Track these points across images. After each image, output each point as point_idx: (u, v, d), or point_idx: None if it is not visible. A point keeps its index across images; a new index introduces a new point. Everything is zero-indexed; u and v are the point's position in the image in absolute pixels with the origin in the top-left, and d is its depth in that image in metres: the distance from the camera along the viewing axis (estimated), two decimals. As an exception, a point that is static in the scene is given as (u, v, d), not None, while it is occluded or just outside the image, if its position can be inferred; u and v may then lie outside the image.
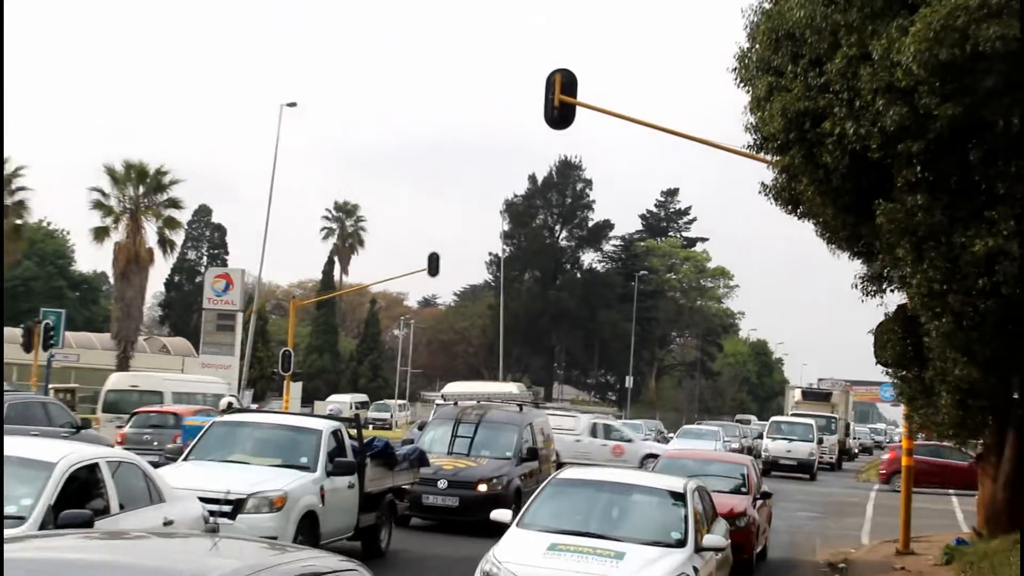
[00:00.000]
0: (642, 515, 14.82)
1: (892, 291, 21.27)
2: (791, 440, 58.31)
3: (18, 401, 28.69)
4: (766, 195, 20.20)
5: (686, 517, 14.55)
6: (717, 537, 15.04)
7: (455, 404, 29.58)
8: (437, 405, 36.34)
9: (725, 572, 15.83)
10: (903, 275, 17.72)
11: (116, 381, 45.03)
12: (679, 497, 14.92)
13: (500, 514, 15.50)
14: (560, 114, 24.71)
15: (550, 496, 15.27)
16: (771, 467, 55.53)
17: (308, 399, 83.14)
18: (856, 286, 20.66)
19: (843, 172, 17.63)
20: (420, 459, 23.68)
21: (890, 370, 23.00)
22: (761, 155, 20.20)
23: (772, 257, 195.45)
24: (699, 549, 14.20)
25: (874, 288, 20.76)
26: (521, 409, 29.84)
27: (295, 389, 68.45)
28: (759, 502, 23.02)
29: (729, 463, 25.25)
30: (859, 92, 16.84)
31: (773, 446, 58.50)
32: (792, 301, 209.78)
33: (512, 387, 38.58)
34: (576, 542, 13.86)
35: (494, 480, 25.81)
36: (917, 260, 16.52)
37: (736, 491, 22.81)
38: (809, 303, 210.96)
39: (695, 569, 13.74)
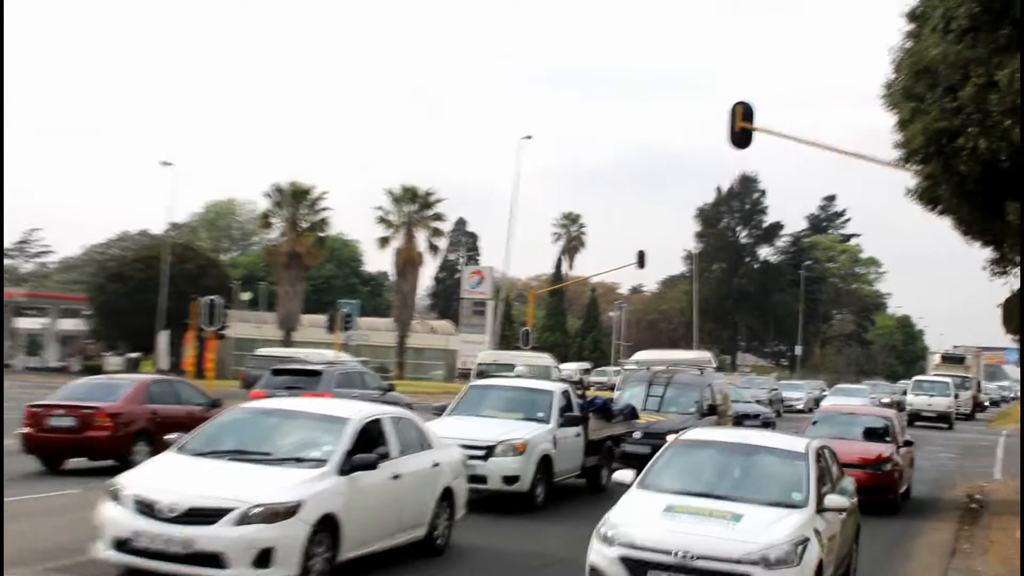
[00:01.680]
0: (763, 476, 11.83)
1: (1015, 274, 20.40)
2: (931, 396, 56.14)
3: (343, 371, 29.26)
4: (911, 197, 19.58)
5: (807, 477, 11.65)
6: (839, 498, 11.95)
7: (647, 369, 28.84)
8: (624, 369, 35.83)
9: (852, 531, 13.01)
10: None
11: (483, 357, 44.56)
12: (800, 457, 12.00)
13: (622, 475, 12.38)
14: (740, 138, 24.35)
15: (672, 457, 12.39)
16: (914, 418, 53.37)
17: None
18: (985, 268, 19.86)
19: (976, 178, 16.96)
20: (632, 413, 23.43)
21: (1016, 337, 22.12)
22: (907, 166, 19.56)
23: (913, 248, 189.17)
24: (820, 510, 11.38)
25: (1000, 270, 19.91)
26: (702, 372, 29.04)
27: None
28: (902, 449, 21.96)
29: (875, 416, 24.10)
30: (989, 113, 16.18)
31: (916, 400, 56.22)
32: (930, 283, 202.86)
33: (691, 354, 37.91)
34: (693, 503, 11.12)
35: (680, 431, 25.11)
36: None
37: (882, 439, 21.91)
38: (944, 285, 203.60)
39: (816, 531, 10.95)
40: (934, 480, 28.22)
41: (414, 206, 72.36)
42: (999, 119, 16.07)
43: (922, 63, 17.64)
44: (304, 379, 27.56)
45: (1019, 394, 63.75)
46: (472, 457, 17.94)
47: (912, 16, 19.36)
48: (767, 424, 37.42)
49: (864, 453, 20.53)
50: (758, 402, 45.19)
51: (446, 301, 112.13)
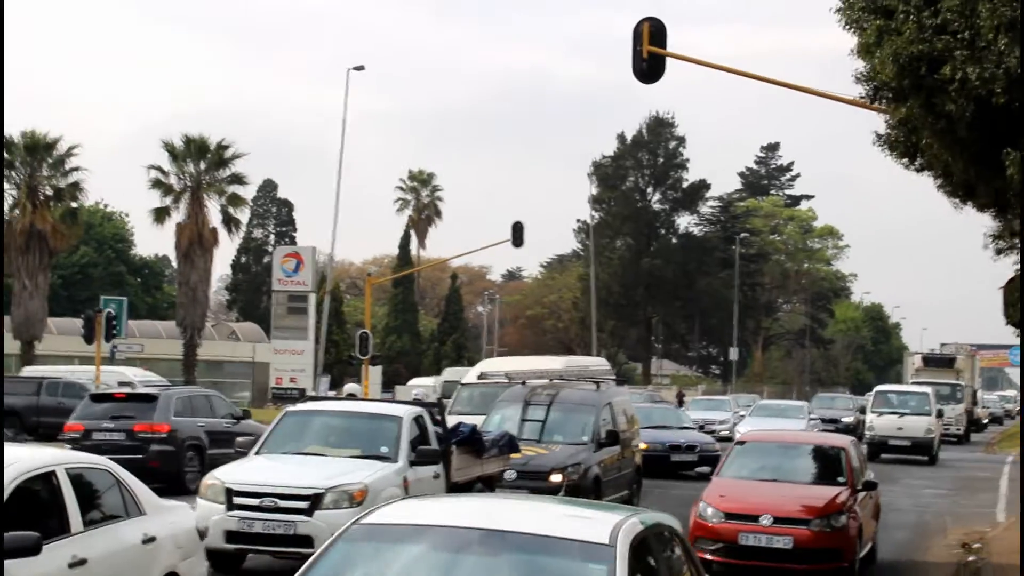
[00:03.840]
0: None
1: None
2: (902, 414, 51.87)
3: (184, 395, 32.37)
4: (881, 147, 19.95)
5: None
6: None
7: (523, 383, 28.93)
8: (461, 385, 35.89)
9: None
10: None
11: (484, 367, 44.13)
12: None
13: None
14: (649, 66, 24.60)
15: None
16: (878, 449, 50.15)
17: (388, 384, 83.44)
18: (987, 246, 20.30)
19: (967, 120, 17.31)
20: (510, 444, 23.59)
21: (1017, 331, 22.74)
22: (875, 105, 19.90)
23: (886, 214, 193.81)
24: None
25: (1006, 245, 20.37)
26: (599, 387, 29.22)
27: (374, 374, 68.72)
28: (862, 494, 21.11)
29: (821, 446, 23.11)
30: (979, 31, 16.52)
31: (880, 423, 51.99)
32: (909, 261, 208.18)
33: (575, 361, 38.05)
34: None
35: (569, 468, 24.92)
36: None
37: (830, 481, 21.07)
38: (928, 262, 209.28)
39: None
40: (915, 525, 28.92)
41: (203, 164, 71.57)
42: (992, 37, 16.44)
43: (893, -37, 17.91)
44: (135, 406, 29.38)
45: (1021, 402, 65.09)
46: (290, 511, 17.94)
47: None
48: (704, 460, 37.17)
49: (807, 501, 20.07)
50: (702, 428, 45.23)
51: (251, 296, 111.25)
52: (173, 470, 29.13)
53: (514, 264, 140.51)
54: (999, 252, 20.48)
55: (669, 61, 25.02)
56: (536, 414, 26.89)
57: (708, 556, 19.15)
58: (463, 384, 35.88)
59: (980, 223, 21.28)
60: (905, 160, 19.81)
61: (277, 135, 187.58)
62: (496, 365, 35.20)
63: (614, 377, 33.43)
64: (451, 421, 27.17)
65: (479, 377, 32.87)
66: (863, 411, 57.73)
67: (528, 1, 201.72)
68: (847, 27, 19.26)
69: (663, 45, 24.41)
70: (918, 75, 17.62)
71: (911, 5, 17.66)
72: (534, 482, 24.59)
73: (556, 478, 24.69)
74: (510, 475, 24.37)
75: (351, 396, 30.68)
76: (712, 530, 19.52)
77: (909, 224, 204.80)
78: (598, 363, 38.03)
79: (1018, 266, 21.09)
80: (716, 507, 19.75)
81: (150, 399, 30.71)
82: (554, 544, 8.63)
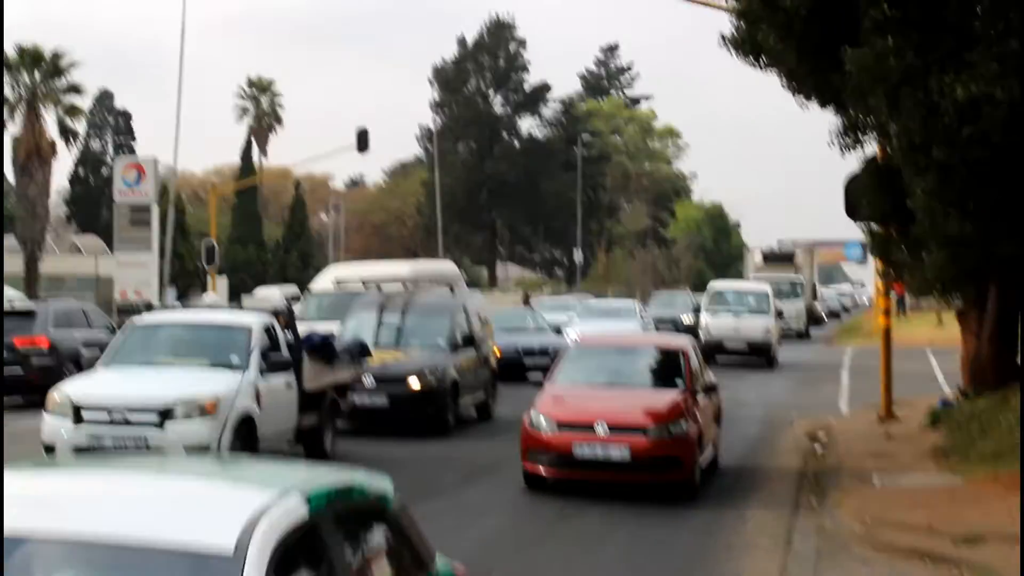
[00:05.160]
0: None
1: (870, 143, 21.18)
2: (739, 314, 48.52)
3: (61, 308, 32.56)
4: (726, 46, 20.06)
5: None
6: None
7: (378, 288, 28.84)
8: (311, 293, 35.62)
9: None
10: (880, 125, 17.65)
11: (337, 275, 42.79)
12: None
13: None
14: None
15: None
16: (713, 351, 46.04)
17: (235, 294, 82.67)
18: (833, 143, 20.46)
19: (805, 15, 17.47)
20: (362, 350, 23.41)
21: (865, 226, 23.10)
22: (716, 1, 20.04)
23: (726, 113, 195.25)
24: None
25: (851, 140, 20.54)
26: (453, 291, 29.27)
27: (221, 284, 68.06)
28: (702, 398, 20.19)
29: (659, 347, 22.07)
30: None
31: (715, 323, 48.56)
32: (748, 159, 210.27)
33: (426, 265, 37.96)
34: None
35: (426, 372, 25.08)
36: (893, 109, 16.42)
37: (669, 385, 20.09)
38: (765, 160, 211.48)
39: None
40: (760, 420, 29.43)
41: (37, 74, 70.03)
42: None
43: None
44: (13, 321, 29.16)
45: (871, 301, 65.78)
46: (140, 424, 17.76)
47: None
48: None
49: (644, 407, 19.06)
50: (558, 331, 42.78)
51: (92, 208, 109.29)
52: (54, 384, 28.63)
53: (357, 171, 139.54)
54: (844, 148, 20.58)
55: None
56: (392, 319, 26.94)
57: (541, 469, 18.60)
58: (313, 292, 35.65)
59: (820, 119, 21.53)
60: (751, 58, 19.93)
61: (115, 43, 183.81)
62: (342, 272, 34.94)
63: (465, 281, 33.39)
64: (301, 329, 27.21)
65: (336, 284, 32.57)
66: (697, 310, 54.09)
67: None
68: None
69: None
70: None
71: None
72: (392, 386, 24.71)
73: (414, 382, 24.81)
74: (368, 381, 24.38)
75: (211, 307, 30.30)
76: (544, 441, 18.60)
77: (749, 123, 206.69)
78: (447, 267, 38.00)
79: (862, 161, 21.38)
80: (548, 416, 18.78)
81: (28, 314, 30.46)
82: (141, 559, 5.44)
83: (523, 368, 36.55)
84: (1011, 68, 15.38)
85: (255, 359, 19.37)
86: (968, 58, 15.73)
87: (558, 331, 41.02)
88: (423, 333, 26.78)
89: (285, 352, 20.26)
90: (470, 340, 27.37)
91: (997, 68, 15.39)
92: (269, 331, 20.23)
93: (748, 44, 19.81)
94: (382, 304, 27.68)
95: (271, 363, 19.60)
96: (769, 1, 17.68)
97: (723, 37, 20.41)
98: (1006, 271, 19.52)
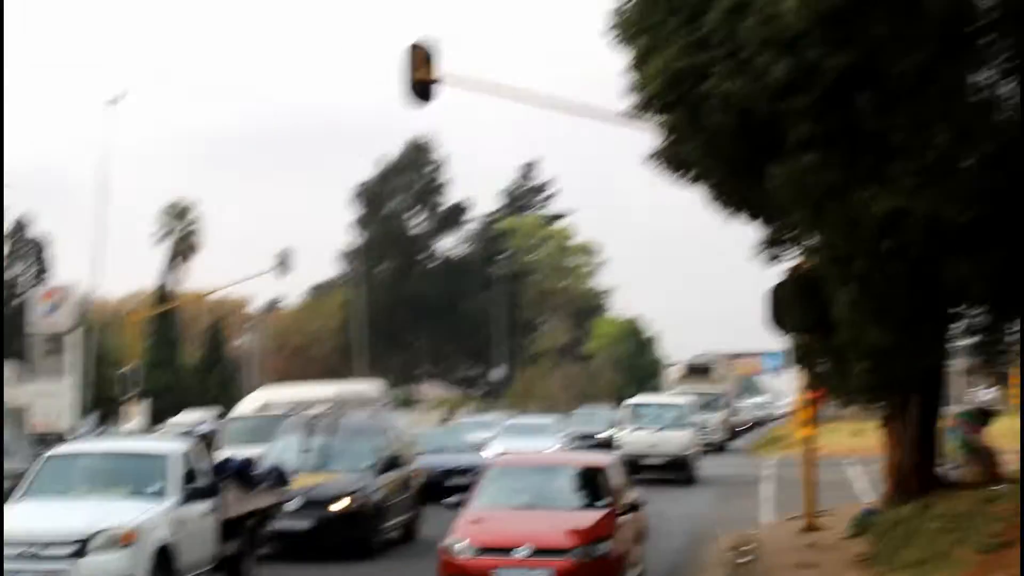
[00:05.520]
0: None
1: (793, 256, 21.57)
2: (657, 429, 46.61)
3: None
4: (654, 161, 20.41)
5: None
6: None
7: (299, 411, 28.80)
8: (234, 418, 35.43)
9: None
10: (803, 239, 18.02)
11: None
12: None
13: None
14: (421, 90, 24.81)
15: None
16: (632, 468, 41.62)
17: (156, 419, 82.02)
18: (756, 255, 20.81)
19: (728, 133, 17.84)
20: (279, 477, 23.16)
21: (788, 337, 23.41)
22: (644, 117, 20.39)
23: (645, 228, 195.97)
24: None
25: (774, 252, 20.91)
26: (377, 413, 29.31)
27: (141, 410, 67.53)
28: (625, 517, 19.76)
29: (580, 466, 21.58)
30: (741, 47, 17.04)
31: (632, 439, 46.57)
32: (666, 273, 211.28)
33: (350, 387, 37.86)
34: None
35: (352, 495, 25.01)
36: (816, 223, 16.80)
37: (591, 505, 19.80)
38: (683, 274, 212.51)
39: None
40: (685, 534, 29.37)
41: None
42: (753, 52, 16.97)
43: (659, -19, 18.37)
44: None
45: (789, 411, 65.79)
46: (55, 558, 17.40)
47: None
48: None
49: (566, 528, 18.73)
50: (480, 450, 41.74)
51: (7, 336, 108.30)
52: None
53: (276, 293, 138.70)
54: (768, 260, 20.98)
55: (440, 86, 25.28)
56: (318, 442, 26.81)
57: None
58: (235, 416, 35.55)
59: (739, 231, 21.81)
60: (677, 173, 20.28)
61: (35, 168, 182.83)
62: (270, 395, 34.94)
63: (390, 401, 33.42)
64: (225, 454, 27.04)
65: (263, 407, 32.47)
66: (614, 426, 51.74)
67: (290, 30, 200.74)
68: (621, 44, 19.74)
69: (435, 68, 24.65)
70: (683, 88, 18.10)
71: (677, 20, 18.16)
72: (317, 509, 24.61)
73: (339, 504, 24.75)
74: (293, 504, 24.22)
75: (131, 435, 29.96)
76: (463, 567, 18.17)
77: (667, 236, 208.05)
78: (373, 387, 37.95)
79: (785, 272, 21.73)
80: (467, 540, 18.34)
81: None
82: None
83: (446, 489, 36.02)
84: (928, 182, 15.80)
85: (174, 487, 19.11)
86: (887, 172, 16.15)
87: (481, 450, 40.69)
88: (349, 455, 26.66)
89: (204, 479, 20.00)
90: (395, 461, 27.31)
91: (915, 182, 15.81)
92: (188, 458, 19.98)
93: (674, 160, 20.16)
94: (308, 426, 27.60)
95: (190, 491, 19.33)
96: (694, 120, 18.04)
97: (649, 153, 20.75)
98: (927, 381, 19.90)
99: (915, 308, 16.91)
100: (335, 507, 24.69)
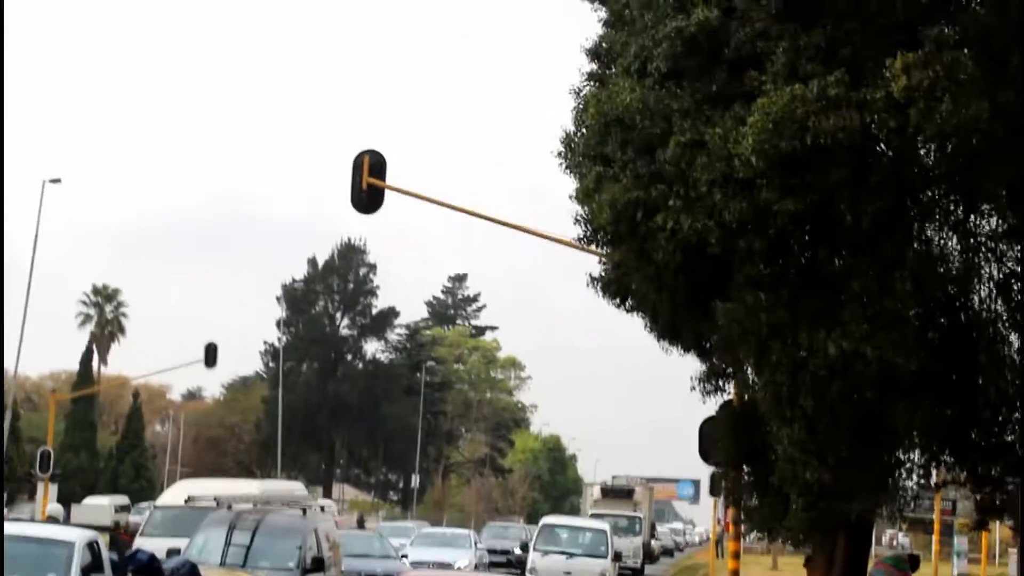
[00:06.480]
0: None
1: (729, 391, 21.65)
2: (572, 555, 43.82)
3: None
4: (594, 287, 20.48)
5: None
6: None
7: (229, 507, 28.41)
8: (155, 508, 35.19)
9: None
10: (744, 376, 18.10)
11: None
12: None
13: None
14: (368, 198, 24.90)
15: None
16: None
17: (64, 502, 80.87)
18: (694, 388, 20.86)
19: (676, 268, 17.93)
20: (191, 572, 22.33)
21: (718, 470, 23.46)
22: (591, 248, 20.50)
23: (568, 346, 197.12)
24: None
25: (712, 386, 20.99)
26: (305, 513, 28.94)
27: (51, 491, 66.52)
28: None
29: None
30: (694, 183, 17.18)
31: (544, 564, 43.19)
32: (587, 394, 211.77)
33: (275, 485, 37.62)
34: None
35: None
36: (761, 362, 16.92)
37: None
38: (603, 396, 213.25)
39: None
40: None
41: None
42: (707, 190, 17.12)
43: (612, 112, 18.48)
44: None
45: (702, 539, 65.98)
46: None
47: (594, 54, 20.39)
48: None
49: None
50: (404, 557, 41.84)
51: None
52: None
53: (195, 384, 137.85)
54: (706, 392, 21.03)
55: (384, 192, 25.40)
56: (242, 539, 26.25)
57: None
58: (157, 506, 35.19)
59: (663, 359, 21.80)
60: (617, 301, 20.36)
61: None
62: (193, 488, 34.44)
63: (316, 502, 33.06)
64: (144, 545, 26.65)
65: (187, 500, 31.99)
66: (525, 548, 48.07)
67: (226, 126, 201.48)
68: (568, 171, 19.84)
69: (382, 177, 24.77)
70: (633, 222, 18.13)
71: (629, 152, 18.30)
72: (238, 610, 24.26)
73: None
74: None
75: (52, 519, 29.37)
76: None
77: (592, 357, 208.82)
78: (296, 487, 37.63)
79: (719, 405, 21.77)
80: None
81: None
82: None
83: None
84: (882, 328, 16.01)
85: None
86: (838, 316, 16.33)
87: (403, 557, 40.32)
88: (273, 554, 26.16)
89: (108, 572, 19.14)
90: (320, 564, 26.89)
91: (868, 328, 16.01)
92: (93, 547, 19.09)
93: (614, 286, 20.23)
94: (232, 522, 27.12)
95: None
96: (642, 252, 18.12)
97: (591, 278, 20.79)
98: (858, 522, 19.96)
99: (860, 449, 17.04)
100: None
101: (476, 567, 46.00)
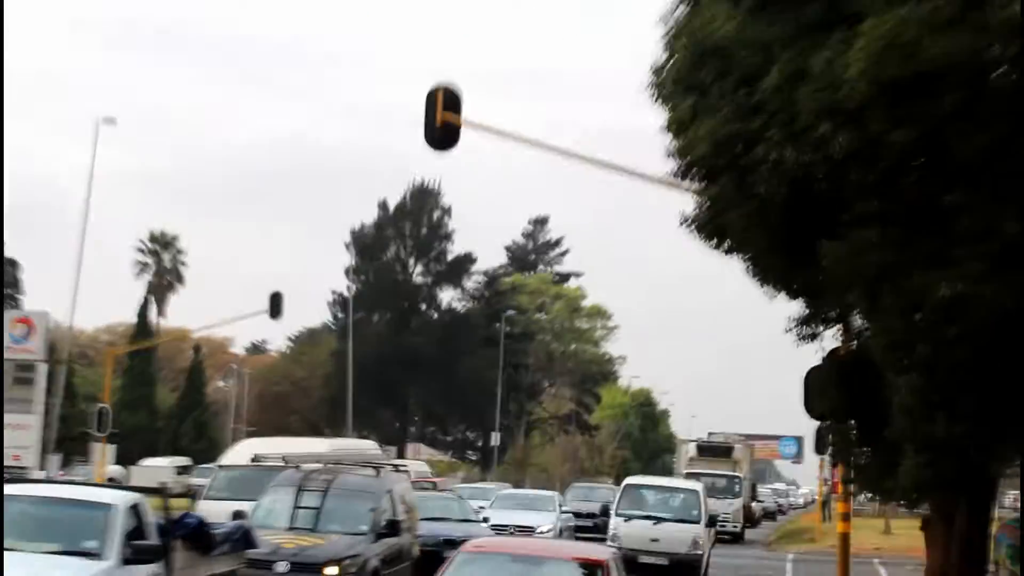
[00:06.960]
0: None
1: (834, 338, 21.55)
2: (659, 520, 41.18)
3: None
4: (688, 227, 20.42)
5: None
6: None
7: (298, 468, 28.49)
8: (220, 468, 35.45)
9: None
10: (851, 322, 17.99)
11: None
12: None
13: None
14: (443, 135, 24.88)
15: None
16: (626, 565, 39.09)
17: (122, 463, 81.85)
18: (790, 330, 20.79)
19: (781, 203, 17.87)
20: (245, 540, 22.37)
21: (825, 425, 23.39)
22: (684, 184, 20.42)
23: (659, 298, 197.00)
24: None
25: (809, 332, 20.88)
26: (379, 473, 29.02)
27: (109, 453, 67.34)
28: None
29: (568, 560, 19.60)
30: (798, 114, 17.09)
31: (628, 531, 40.67)
32: (681, 346, 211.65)
33: (343, 444, 37.77)
34: None
35: (346, 560, 24.70)
36: (872, 305, 16.82)
37: None
38: (697, 346, 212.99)
39: None
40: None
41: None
42: (812, 121, 17.03)
43: (707, 42, 18.44)
44: None
45: (807, 501, 65.59)
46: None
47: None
48: None
49: None
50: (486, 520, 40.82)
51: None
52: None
53: (259, 336, 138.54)
54: (801, 338, 20.89)
55: (464, 130, 25.33)
56: (311, 501, 26.48)
57: None
58: (221, 466, 35.50)
59: (762, 308, 21.68)
60: (714, 242, 20.30)
61: (13, 191, 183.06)
62: (260, 447, 34.71)
63: (392, 462, 33.18)
64: (208, 507, 26.87)
65: (252, 459, 32.24)
66: (606, 512, 46.10)
67: (292, 64, 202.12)
68: (659, 102, 19.80)
69: (458, 112, 24.74)
70: (733, 154, 18.12)
71: (728, 83, 18.24)
72: (307, 574, 24.44)
73: (331, 571, 24.45)
74: (282, 567, 24.10)
75: (111, 480, 29.55)
76: None
77: (686, 308, 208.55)
78: (368, 446, 37.72)
79: (822, 352, 21.66)
80: None
81: None
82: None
83: (442, 560, 35.46)
84: (994, 269, 15.87)
85: (116, 545, 17.69)
86: (953, 255, 16.19)
87: (486, 520, 40.12)
88: (344, 517, 26.39)
89: (153, 538, 18.65)
90: (394, 527, 27.04)
91: (980, 268, 15.87)
92: (136, 510, 18.70)
93: (710, 225, 20.15)
94: (301, 483, 27.30)
95: (135, 550, 17.84)
96: (741, 186, 18.06)
97: (684, 217, 20.72)
98: (981, 481, 19.86)
99: (983, 399, 16.88)
100: (326, 572, 24.52)
101: (561, 532, 45.62)
